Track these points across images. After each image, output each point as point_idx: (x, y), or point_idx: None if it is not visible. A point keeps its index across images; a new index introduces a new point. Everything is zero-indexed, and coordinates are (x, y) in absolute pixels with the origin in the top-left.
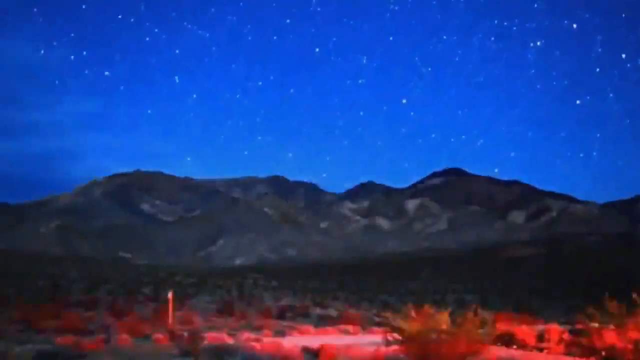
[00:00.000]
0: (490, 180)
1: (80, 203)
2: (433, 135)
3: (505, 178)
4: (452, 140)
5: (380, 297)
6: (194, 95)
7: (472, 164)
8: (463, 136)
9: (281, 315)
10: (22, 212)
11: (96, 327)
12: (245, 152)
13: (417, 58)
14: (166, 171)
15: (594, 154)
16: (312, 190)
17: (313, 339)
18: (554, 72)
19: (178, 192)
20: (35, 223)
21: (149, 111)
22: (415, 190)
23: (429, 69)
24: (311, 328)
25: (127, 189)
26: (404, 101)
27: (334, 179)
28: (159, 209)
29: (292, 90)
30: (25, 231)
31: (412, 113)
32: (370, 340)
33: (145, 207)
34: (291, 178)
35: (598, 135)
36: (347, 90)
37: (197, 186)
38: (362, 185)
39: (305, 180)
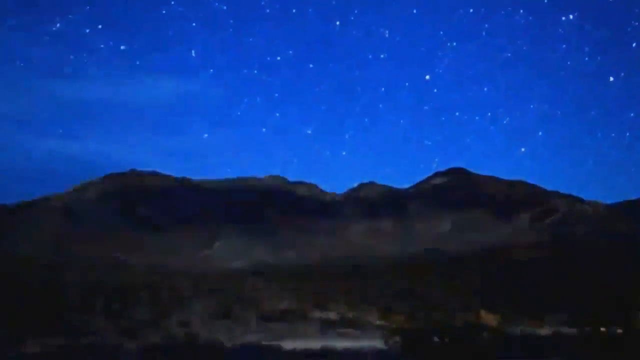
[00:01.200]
0: (495, 179)
1: (73, 204)
2: (457, 113)
3: (511, 177)
4: (477, 118)
5: (382, 300)
6: (211, 70)
7: (483, 156)
8: (489, 113)
9: (281, 319)
10: (14, 213)
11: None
12: (263, 129)
13: (441, 32)
14: (162, 171)
15: (627, 134)
16: (312, 190)
17: (314, 342)
18: (587, 48)
19: (175, 192)
20: (27, 225)
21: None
22: (417, 191)
23: (454, 44)
24: (312, 331)
25: (122, 189)
26: (427, 77)
27: (335, 179)
28: (155, 210)
29: (311, 66)
30: (16, 234)
31: (435, 90)
32: (371, 343)
33: (141, 207)
34: (291, 178)
35: (632, 114)
36: (368, 66)
37: (195, 186)
38: (363, 184)
39: (305, 180)
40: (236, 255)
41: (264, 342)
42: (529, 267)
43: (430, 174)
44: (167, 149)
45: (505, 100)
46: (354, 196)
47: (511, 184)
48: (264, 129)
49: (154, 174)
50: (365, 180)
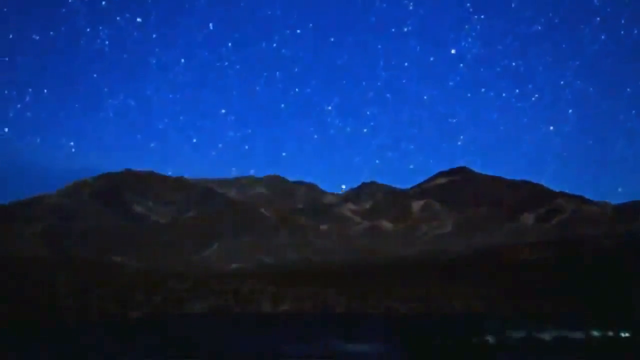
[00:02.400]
0: (499, 180)
1: (67, 204)
2: (483, 90)
3: (515, 176)
4: (504, 95)
5: (384, 301)
6: (229, 44)
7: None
8: (517, 90)
9: (281, 320)
10: (5, 213)
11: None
12: (282, 105)
13: (468, 4)
14: (158, 170)
15: None
16: (311, 191)
17: (314, 345)
18: (623, 20)
19: (171, 192)
20: (20, 225)
21: (182, 60)
22: (420, 191)
23: (482, 17)
24: (312, 333)
25: (117, 189)
26: (453, 52)
27: (335, 178)
28: (151, 210)
29: (332, 39)
30: (8, 233)
31: (461, 65)
32: (373, 345)
33: (136, 208)
34: (291, 178)
35: None
36: (391, 39)
37: (192, 186)
38: (364, 185)
39: (305, 180)
40: (235, 256)
41: (263, 345)
42: (534, 268)
43: (435, 172)
44: (182, 125)
45: (534, 76)
46: (355, 196)
47: (516, 183)
48: (282, 105)
49: (150, 173)
50: (367, 180)
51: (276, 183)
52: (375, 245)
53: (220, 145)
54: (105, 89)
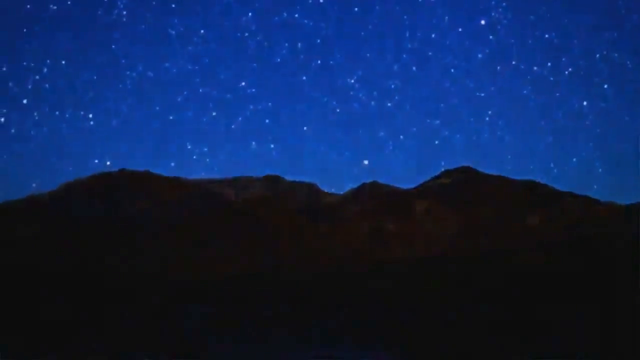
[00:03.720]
0: (504, 179)
1: (61, 204)
2: (513, 62)
3: (521, 175)
4: (535, 68)
5: (387, 305)
6: (249, 14)
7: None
8: (549, 63)
9: (280, 325)
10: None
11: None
12: (304, 77)
13: None
14: (154, 170)
15: None
16: (311, 191)
17: (315, 351)
18: None
19: (167, 193)
20: (11, 225)
21: (202, 31)
22: (423, 191)
23: None
24: (313, 338)
25: (112, 190)
26: (483, 22)
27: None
28: (146, 212)
29: (356, 9)
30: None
31: (491, 37)
32: (375, 352)
33: (131, 209)
34: (290, 178)
35: None
36: (417, 9)
37: (188, 186)
38: (365, 185)
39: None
40: (232, 259)
41: (262, 352)
42: (542, 272)
43: (438, 171)
44: (201, 97)
45: (568, 49)
46: (356, 196)
47: (522, 183)
48: (304, 77)
49: (146, 173)
50: (368, 180)
51: (275, 183)
52: (378, 247)
53: (240, 119)
54: (123, 61)
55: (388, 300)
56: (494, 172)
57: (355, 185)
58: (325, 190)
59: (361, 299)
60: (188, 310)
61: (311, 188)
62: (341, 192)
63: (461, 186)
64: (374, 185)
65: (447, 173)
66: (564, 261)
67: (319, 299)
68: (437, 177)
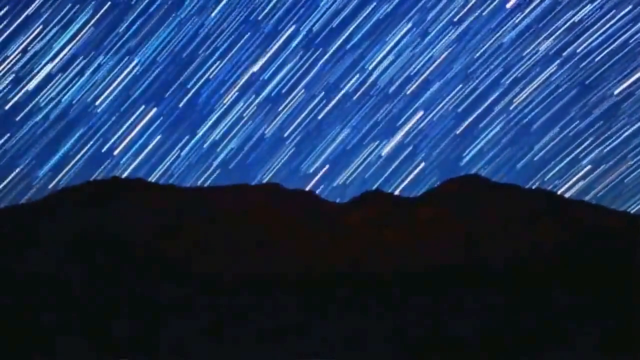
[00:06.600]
0: (513, 187)
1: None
2: (542, 47)
3: (529, 185)
4: (564, 54)
5: (390, 317)
6: None
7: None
8: (579, 48)
9: (279, 335)
10: None
11: None
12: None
13: None
14: (146, 178)
15: None
16: (310, 199)
17: None
18: None
19: (159, 201)
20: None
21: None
22: (427, 199)
23: None
24: (313, 349)
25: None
26: (508, 5)
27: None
28: (139, 219)
29: None
30: None
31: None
32: None
33: (123, 217)
34: (288, 183)
35: None
36: None
37: (182, 194)
38: (368, 192)
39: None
40: (230, 267)
41: None
42: (550, 284)
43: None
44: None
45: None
46: (357, 204)
47: (530, 192)
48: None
49: (137, 180)
50: (371, 188)
51: (274, 191)
52: (380, 257)
53: (255, 98)
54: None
55: (391, 309)
56: (502, 180)
57: (357, 194)
58: (325, 199)
59: (362, 308)
60: (185, 318)
61: (310, 196)
62: (343, 200)
63: (468, 194)
64: (377, 193)
65: (453, 180)
66: (574, 272)
67: (318, 307)
68: (443, 185)
